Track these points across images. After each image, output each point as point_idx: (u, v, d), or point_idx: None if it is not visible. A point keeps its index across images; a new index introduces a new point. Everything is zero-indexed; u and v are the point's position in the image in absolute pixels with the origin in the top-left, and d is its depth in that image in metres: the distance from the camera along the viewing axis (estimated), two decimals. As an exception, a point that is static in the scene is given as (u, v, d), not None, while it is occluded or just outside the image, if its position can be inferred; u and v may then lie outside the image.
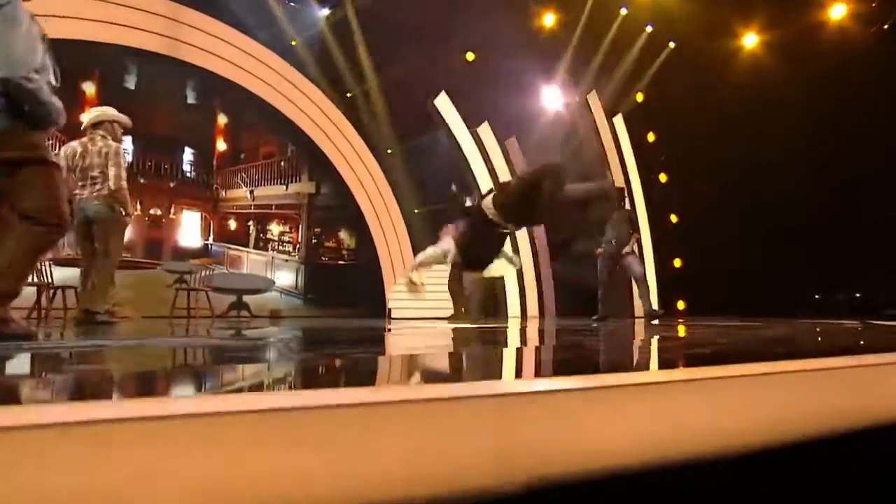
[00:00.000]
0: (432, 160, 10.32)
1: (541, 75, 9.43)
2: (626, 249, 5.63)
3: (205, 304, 8.01)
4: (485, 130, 9.38)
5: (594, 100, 9.45)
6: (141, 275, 7.77)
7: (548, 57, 9.38)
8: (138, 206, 8.17)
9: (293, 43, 9.43)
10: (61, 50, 7.48)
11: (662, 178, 10.19)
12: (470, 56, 10.49)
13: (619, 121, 9.75)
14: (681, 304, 9.96)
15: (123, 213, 4.00)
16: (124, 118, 4.39)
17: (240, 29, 8.71)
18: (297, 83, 9.59)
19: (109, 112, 4.34)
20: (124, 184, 4.05)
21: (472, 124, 9.47)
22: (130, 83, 8.19)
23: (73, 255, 6.91)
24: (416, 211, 11.08)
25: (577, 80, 9.45)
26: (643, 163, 9.94)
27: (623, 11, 9.37)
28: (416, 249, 10.86)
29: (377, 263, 10.65)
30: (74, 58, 7.62)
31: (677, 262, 10.06)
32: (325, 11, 9.11)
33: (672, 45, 9.87)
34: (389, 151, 10.78)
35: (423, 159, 10.37)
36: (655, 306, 5.97)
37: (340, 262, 10.54)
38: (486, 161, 9.49)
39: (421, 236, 10.82)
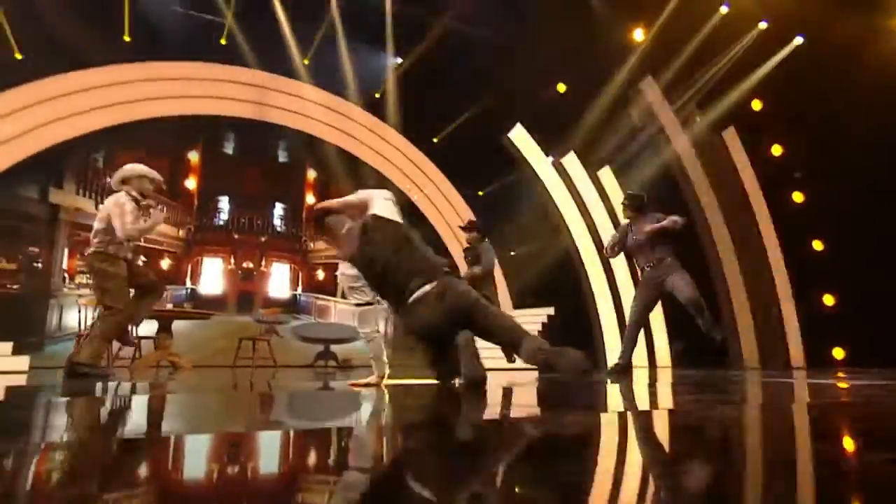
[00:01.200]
0: (523, 198, 9.73)
1: (632, 96, 8.48)
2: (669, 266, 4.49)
3: (290, 352, 8.22)
4: (571, 161, 8.60)
5: (695, 113, 8.20)
6: (233, 325, 8.17)
7: (639, 74, 8.43)
8: (231, 261, 8.74)
9: (376, 95, 9.68)
10: (171, 126, 8.14)
11: (797, 197, 8.38)
12: (561, 87, 9.88)
13: (731, 134, 8.31)
14: (838, 353, 7.89)
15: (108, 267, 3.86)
16: (153, 173, 4.28)
17: (322, 87, 9.16)
18: (382, 133, 9.77)
19: (137, 168, 4.25)
20: (131, 233, 3.92)
21: (556, 156, 8.78)
22: (228, 149, 8.96)
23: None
24: (511, 254, 10.48)
25: (672, 94, 8.32)
26: (769, 181, 8.28)
27: (723, 10, 8.11)
28: (514, 294, 10.21)
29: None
30: (182, 131, 8.55)
31: (828, 300, 8.06)
32: (397, 60, 9.22)
33: (799, 40, 8.30)
34: (481, 193, 10.44)
35: (515, 198, 9.82)
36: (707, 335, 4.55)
37: (432, 310, 10.19)
38: (574, 194, 8.66)
39: (519, 280, 10.16)
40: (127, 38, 8.03)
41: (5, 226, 7.46)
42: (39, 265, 7.55)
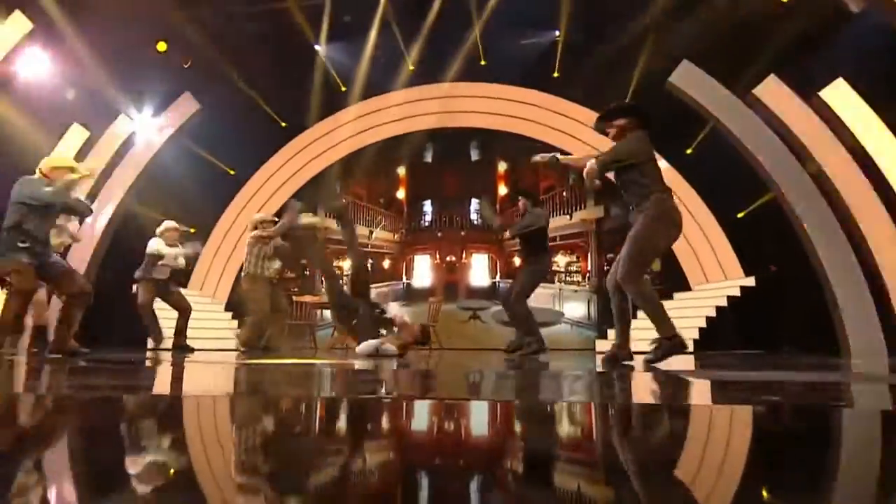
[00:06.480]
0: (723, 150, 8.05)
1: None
2: None
3: (493, 336, 8.93)
4: (766, 90, 6.77)
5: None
6: (443, 311, 9.25)
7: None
8: (437, 256, 9.90)
9: (555, 75, 9.48)
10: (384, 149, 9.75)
11: None
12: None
13: None
14: None
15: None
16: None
17: (498, 80, 9.50)
18: (564, 110, 9.49)
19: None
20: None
21: (745, 88, 7.02)
22: (428, 158, 10.16)
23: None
24: (738, 216, 8.75)
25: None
26: None
27: None
28: (743, 259, 8.51)
29: (687, 286, 8.88)
30: (389, 151, 10.15)
31: None
32: (556, 33, 8.86)
33: None
34: (689, 151, 9.03)
35: (729, 150, 8.19)
36: None
37: (643, 288, 9.29)
38: (780, 128, 6.77)
39: (748, 244, 8.47)
40: (343, 88, 10.07)
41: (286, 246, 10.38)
42: (308, 273, 10.18)
